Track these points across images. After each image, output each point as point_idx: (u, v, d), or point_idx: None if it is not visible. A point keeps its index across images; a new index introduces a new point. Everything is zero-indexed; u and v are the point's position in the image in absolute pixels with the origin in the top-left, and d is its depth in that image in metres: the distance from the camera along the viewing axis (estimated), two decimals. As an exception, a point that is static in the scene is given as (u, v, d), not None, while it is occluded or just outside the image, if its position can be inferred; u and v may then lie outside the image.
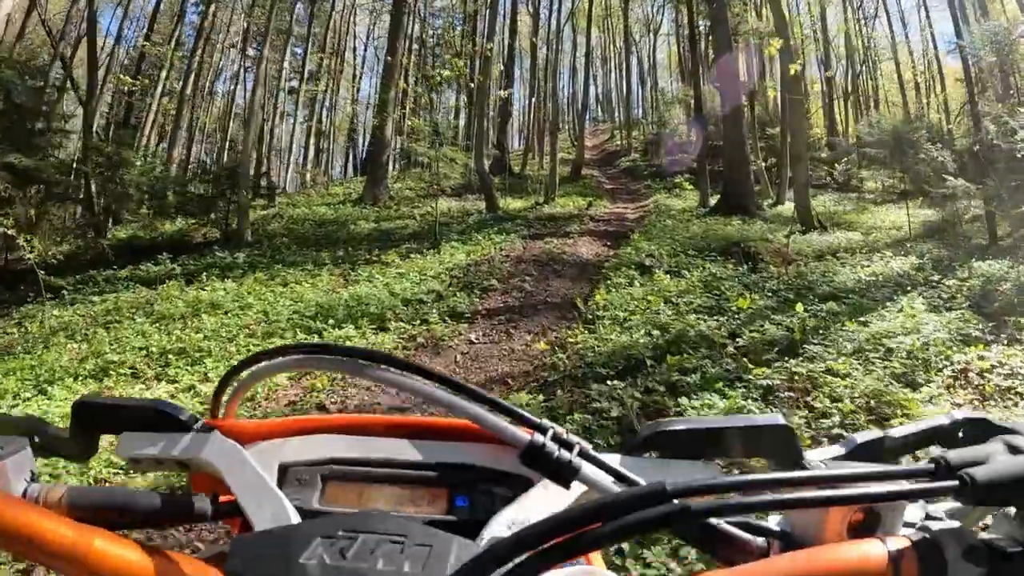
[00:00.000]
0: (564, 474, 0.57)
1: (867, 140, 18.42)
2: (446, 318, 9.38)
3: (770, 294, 9.18)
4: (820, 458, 0.62)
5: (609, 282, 10.40)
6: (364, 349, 0.67)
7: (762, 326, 7.44)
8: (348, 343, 8.20)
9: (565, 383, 6.35)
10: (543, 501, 0.61)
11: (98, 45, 29.80)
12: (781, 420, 0.63)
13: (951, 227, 14.29)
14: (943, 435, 0.64)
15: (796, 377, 5.91)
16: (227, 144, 35.29)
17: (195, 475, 0.70)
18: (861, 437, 0.64)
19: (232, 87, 40.42)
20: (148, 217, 18.48)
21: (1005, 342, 6.84)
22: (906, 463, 0.60)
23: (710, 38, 25.51)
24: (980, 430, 0.62)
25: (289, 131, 38.69)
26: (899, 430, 0.65)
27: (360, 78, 47.94)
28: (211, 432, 0.68)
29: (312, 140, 38.46)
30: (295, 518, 0.61)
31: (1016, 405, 5.46)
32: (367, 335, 8.77)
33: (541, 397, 5.96)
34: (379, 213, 20.65)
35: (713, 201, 20.21)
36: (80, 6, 25.06)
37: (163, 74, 28.19)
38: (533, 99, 35.41)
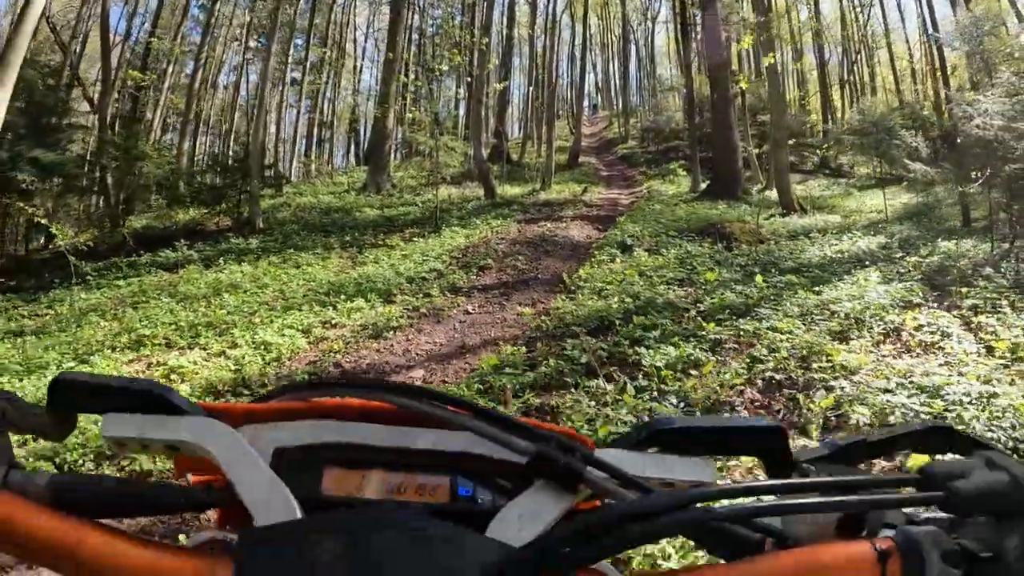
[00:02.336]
0: (570, 480, 0.59)
1: (848, 127, 19.39)
2: (446, 292, 10.55)
3: (738, 269, 10.27)
4: (805, 458, 0.66)
5: (593, 259, 11.60)
6: (361, 379, 0.71)
7: (723, 295, 8.55)
8: (358, 314, 9.38)
9: (546, 339, 7.52)
10: (550, 495, 0.60)
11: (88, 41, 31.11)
12: (776, 424, 0.65)
13: (931, 210, 15.08)
14: (914, 439, 0.68)
15: (742, 333, 7.02)
16: (232, 135, 36.39)
17: (181, 459, 0.68)
18: (843, 440, 0.68)
19: (235, 79, 41.53)
20: (163, 207, 19.62)
21: (943, 307, 7.90)
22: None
23: (701, 27, 26.41)
24: (945, 436, 0.68)
25: (292, 122, 39.72)
26: (876, 434, 0.69)
27: (361, 69, 48.93)
28: (202, 415, 0.65)
29: (315, 130, 39.46)
30: (297, 509, 0.59)
31: (933, 356, 6.50)
32: (376, 306, 9.92)
33: (524, 349, 7.16)
34: (382, 201, 21.75)
35: (705, 187, 21.28)
36: (89, 5, 26.19)
37: (169, 68, 29.21)
38: (531, 88, 36.37)
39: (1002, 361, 5.97)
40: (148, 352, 8.80)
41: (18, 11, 10.91)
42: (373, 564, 0.53)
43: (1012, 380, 5.49)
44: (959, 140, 13.55)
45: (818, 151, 26.66)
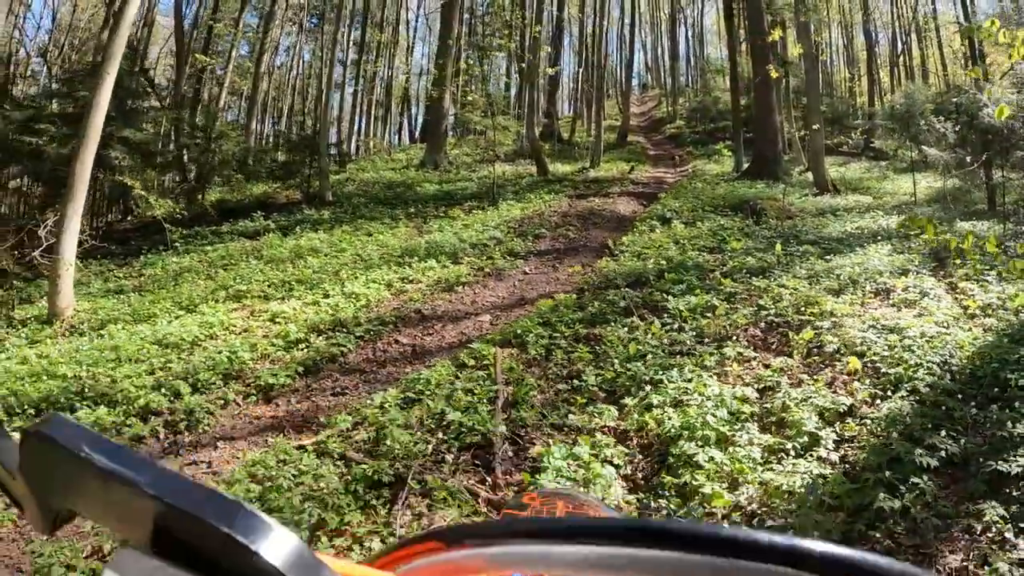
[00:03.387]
0: None
1: (891, 111, 20.67)
2: (506, 256, 12.33)
3: (762, 240, 11.86)
4: None
5: (635, 229, 13.33)
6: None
7: (745, 259, 10.20)
8: (431, 272, 11.22)
9: (592, 289, 9.35)
10: None
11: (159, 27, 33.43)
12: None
13: (964, 194, 16.10)
14: None
15: (754, 288, 8.70)
16: (290, 113, 38.51)
17: None
18: None
19: (290, 59, 43.73)
20: (240, 182, 21.67)
21: (933, 275, 9.43)
22: None
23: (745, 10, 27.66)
24: None
25: (348, 101, 41.73)
26: None
27: (412, 48, 50.85)
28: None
29: (371, 109, 41.28)
30: None
31: (910, 309, 8.05)
32: (446, 266, 11.75)
33: (575, 296, 8.98)
34: (440, 177, 23.51)
35: (747, 167, 22.65)
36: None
37: (233, 52, 31.24)
38: (581, 70, 37.96)
39: (968, 314, 7.54)
40: (248, 302, 10.67)
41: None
42: None
43: (970, 328, 7.08)
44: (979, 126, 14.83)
45: (853, 134, 27.89)
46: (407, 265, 11.89)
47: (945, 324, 7.05)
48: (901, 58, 40.42)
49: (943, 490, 4.33)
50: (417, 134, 41.27)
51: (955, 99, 20.65)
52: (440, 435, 5.54)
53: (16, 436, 0.44)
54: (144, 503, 0.36)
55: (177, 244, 16.18)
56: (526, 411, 5.87)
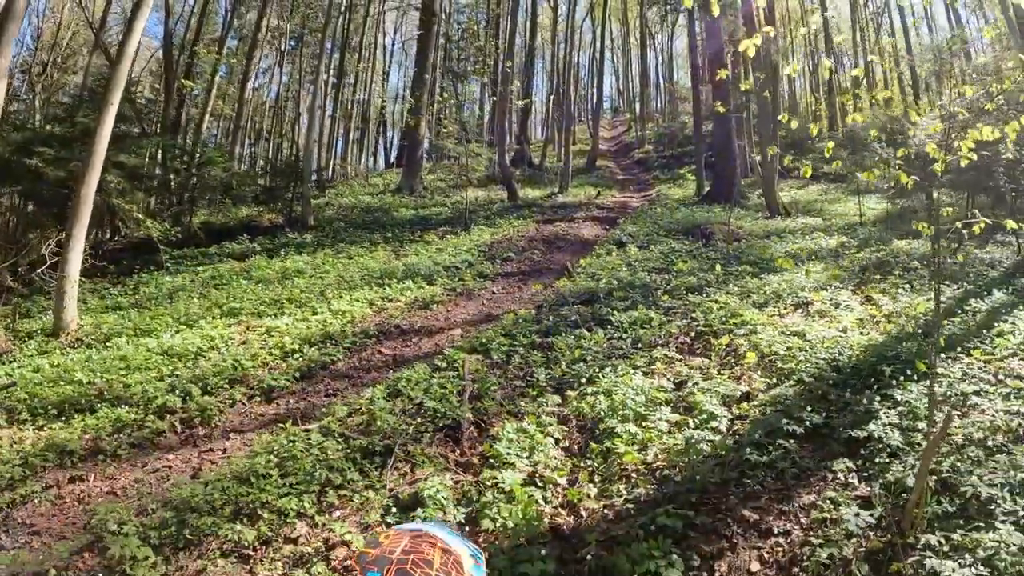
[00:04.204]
0: None
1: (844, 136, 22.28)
2: (476, 277, 13.82)
3: (707, 261, 13.36)
4: None
5: (594, 253, 14.87)
6: None
7: (687, 279, 11.72)
8: (408, 292, 12.82)
9: (548, 306, 10.85)
10: None
11: (140, 48, 34.59)
12: None
13: (911, 214, 17.06)
14: None
15: (689, 303, 10.22)
16: (271, 136, 39.79)
17: None
18: None
19: (267, 81, 45.13)
20: (226, 205, 23.05)
21: (856, 289, 10.90)
22: None
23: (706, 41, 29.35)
24: None
25: (327, 124, 43.14)
26: None
27: (389, 73, 52.49)
28: None
29: (350, 134, 42.74)
30: None
31: (822, 317, 9.53)
32: (421, 287, 13.20)
33: (534, 312, 10.51)
34: (416, 202, 25.07)
35: (707, 191, 24.22)
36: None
37: (215, 77, 32.60)
38: (552, 97, 39.60)
39: (875, 321, 9.01)
40: (244, 319, 12.02)
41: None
42: None
43: (869, 332, 8.58)
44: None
45: (803, 162, 29.63)
46: (386, 286, 13.30)
47: (844, 329, 8.54)
48: (864, 82, 42.29)
49: (810, 452, 5.78)
50: (393, 159, 42.74)
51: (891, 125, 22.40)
52: (419, 419, 6.96)
53: None
54: None
55: (168, 264, 17.43)
56: (488, 402, 7.34)
